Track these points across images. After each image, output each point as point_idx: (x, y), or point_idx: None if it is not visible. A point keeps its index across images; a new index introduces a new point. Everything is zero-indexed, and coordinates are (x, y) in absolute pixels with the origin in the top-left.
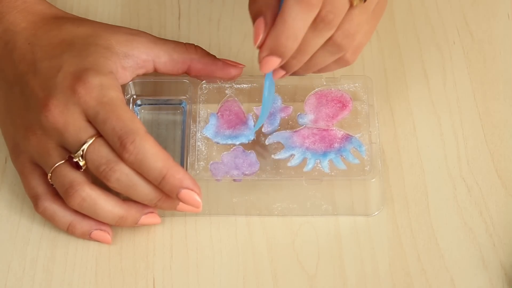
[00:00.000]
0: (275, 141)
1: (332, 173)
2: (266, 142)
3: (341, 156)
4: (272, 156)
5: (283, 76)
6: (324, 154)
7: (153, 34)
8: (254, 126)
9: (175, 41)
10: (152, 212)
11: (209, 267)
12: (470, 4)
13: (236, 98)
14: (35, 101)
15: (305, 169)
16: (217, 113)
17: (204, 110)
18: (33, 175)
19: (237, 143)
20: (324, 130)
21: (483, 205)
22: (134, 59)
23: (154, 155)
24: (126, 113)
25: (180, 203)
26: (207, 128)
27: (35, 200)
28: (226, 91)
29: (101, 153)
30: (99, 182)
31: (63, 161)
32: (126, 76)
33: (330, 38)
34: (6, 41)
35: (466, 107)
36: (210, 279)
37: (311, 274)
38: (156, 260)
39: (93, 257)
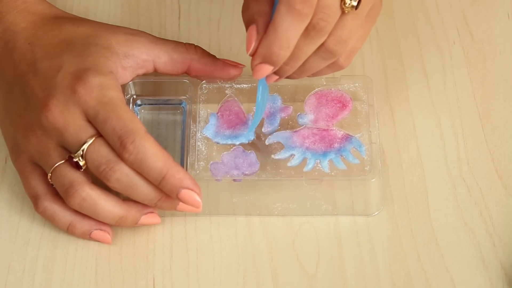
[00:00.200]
0: (275, 141)
1: (332, 173)
2: (266, 142)
3: (341, 156)
4: (272, 156)
5: (276, 80)
6: (324, 154)
7: (153, 34)
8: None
9: (175, 41)
10: (152, 212)
11: (209, 267)
12: (470, 4)
13: (236, 98)
14: (35, 101)
15: (305, 169)
16: (217, 113)
17: (204, 110)
18: (33, 175)
19: (237, 143)
20: (324, 130)
21: (483, 205)
22: (134, 59)
23: (154, 155)
24: (126, 113)
25: (180, 203)
26: (207, 128)
27: (35, 200)
28: (226, 91)
29: (101, 153)
30: (99, 182)
31: (63, 161)
32: (126, 76)
33: (322, 45)
34: (6, 41)
35: (466, 107)
36: (210, 279)
37: (311, 274)
38: (156, 260)
39: (93, 257)
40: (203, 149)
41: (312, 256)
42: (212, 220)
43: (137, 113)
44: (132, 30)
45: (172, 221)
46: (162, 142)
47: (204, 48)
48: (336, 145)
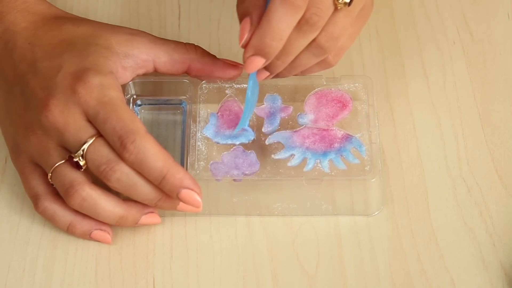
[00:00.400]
0: (275, 141)
1: (332, 173)
2: (266, 142)
3: (341, 156)
4: (272, 156)
5: (267, 77)
6: (324, 154)
7: (153, 34)
8: (252, 127)
9: (175, 41)
10: (152, 212)
11: (209, 267)
12: (470, 4)
13: (236, 98)
14: (35, 101)
15: (305, 169)
16: (217, 113)
17: (204, 110)
18: (33, 175)
19: (237, 143)
20: (324, 130)
21: (483, 205)
22: (134, 59)
23: (154, 155)
24: (127, 113)
25: (180, 203)
26: (207, 128)
27: (35, 200)
28: (226, 91)
29: (101, 153)
30: (99, 182)
31: (63, 161)
32: (126, 76)
33: (314, 40)
34: (6, 41)
35: (466, 107)
36: (210, 279)
37: (311, 274)
38: (156, 260)
39: (93, 257)
40: (203, 149)
41: (312, 256)
42: (212, 220)
43: (137, 113)
44: (132, 30)
45: (172, 221)
46: (162, 142)
47: (204, 48)
48: (336, 145)
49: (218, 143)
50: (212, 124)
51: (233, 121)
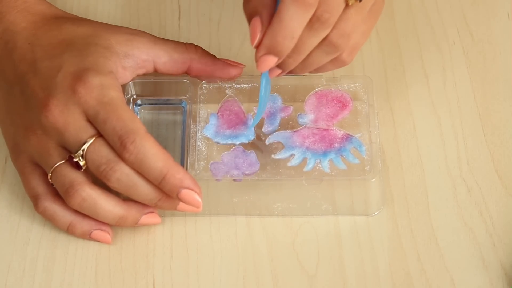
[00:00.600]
0: (275, 141)
1: (332, 173)
2: (266, 142)
3: (341, 156)
4: (272, 156)
5: (279, 75)
6: (324, 154)
7: (153, 34)
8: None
9: (175, 41)
10: (152, 212)
11: (209, 267)
12: (470, 4)
13: (236, 98)
14: (35, 101)
15: (305, 169)
16: (217, 113)
17: (204, 110)
18: (33, 175)
19: (237, 143)
20: (324, 130)
21: (483, 205)
22: (134, 59)
23: (154, 155)
24: (127, 113)
25: (180, 203)
26: (207, 128)
27: (35, 200)
28: (226, 91)
29: (101, 153)
30: (99, 182)
31: (63, 161)
32: (126, 76)
33: (325, 38)
34: (6, 41)
35: (466, 107)
36: (210, 279)
37: (311, 274)
38: (156, 260)
39: (93, 257)
40: (203, 149)
41: (312, 256)
42: (212, 220)
43: (137, 113)
44: (132, 30)
45: (172, 221)
46: (162, 142)
47: (204, 48)
48: (336, 145)
49: (218, 143)
50: (212, 124)
51: (233, 121)
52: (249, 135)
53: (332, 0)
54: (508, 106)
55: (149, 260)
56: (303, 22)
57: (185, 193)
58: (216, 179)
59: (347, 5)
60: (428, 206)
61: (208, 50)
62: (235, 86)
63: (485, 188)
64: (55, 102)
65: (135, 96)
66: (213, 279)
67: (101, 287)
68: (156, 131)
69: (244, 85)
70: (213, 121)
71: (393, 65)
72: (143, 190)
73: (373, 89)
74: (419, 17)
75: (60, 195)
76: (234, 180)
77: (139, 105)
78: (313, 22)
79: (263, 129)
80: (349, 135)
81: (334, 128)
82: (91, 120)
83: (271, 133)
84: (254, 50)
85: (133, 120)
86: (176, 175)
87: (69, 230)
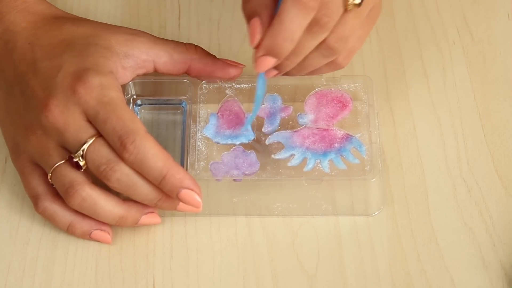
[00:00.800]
0: (275, 141)
1: (332, 173)
2: (266, 142)
3: (341, 156)
4: (272, 156)
5: (275, 75)
6: (324, 154)
7: (153, 34)
8: (250, 125)
9: (175, 41)
10: (152, 212)
11: (209, 267)
12: (470, 4)
13: (236, 98)
14: (35, 101)
15: (305, 169)
16: (217, 113)
17: (204, 110)
18: (33, 175)
19: (237, 143)
20: (324, 130)
21: (483, 205)
22: (134, 59)
23: (154, 155)
24: (126, 113)
25: (180, 203)
26: (207, 128)
27: (35, 200)
28: (226, 91)
29: (101, 153)
30: (99, 182)
31: (63, 161)
32: (126, 76)
33: (323, 41)
34: (6, 41)
35: (466, 107)
36: (210, 279)
37: (311, 274)
38: (156, 260)
39: (93, 257)
40: (203, 149)
41: (312, 256)
42: (212, 220)
43: (137, 113)
44: (132, 30)
45: (172, 221)
46: (162, 142)
47: (204, 48)
48: (336, 145)
49: (218, 143)
50: (212, 124)
51: (233, 121)
52: (249, 135)
53: (331, 5)
54: (508, 106)
55: (149, 260)
56: (303, 25)
57: (185, 193)
58: (216, 179)
59: (345, 9)
60: (428, 206)
61: (208, 50)
62: (235, 86)
63: (485, 188)
64: (55, 102)
65: (135, 96)
66: (213, 279)
67: (101, 287)
68: (156, 131)
69: (244, 85)
70: (213, 121)
71: (393, 65)
72: (143, 190)
73: (373, 89)
74: (419, 17)
75: (60, 195)
76: (234, 180)
77: (139, 105)
78: (312, 25)
79: (263, 129)
80: (349, 135)
81: (334, 128)
82: (91, 120)
83: (271, 133)
84: (254, 50)
85: (133, 120)
86: (176, 175)
87: (69, 230)
